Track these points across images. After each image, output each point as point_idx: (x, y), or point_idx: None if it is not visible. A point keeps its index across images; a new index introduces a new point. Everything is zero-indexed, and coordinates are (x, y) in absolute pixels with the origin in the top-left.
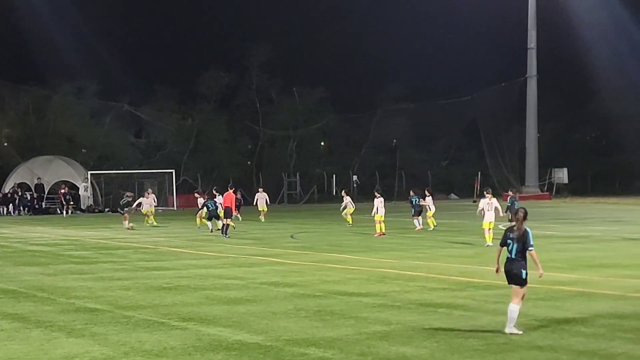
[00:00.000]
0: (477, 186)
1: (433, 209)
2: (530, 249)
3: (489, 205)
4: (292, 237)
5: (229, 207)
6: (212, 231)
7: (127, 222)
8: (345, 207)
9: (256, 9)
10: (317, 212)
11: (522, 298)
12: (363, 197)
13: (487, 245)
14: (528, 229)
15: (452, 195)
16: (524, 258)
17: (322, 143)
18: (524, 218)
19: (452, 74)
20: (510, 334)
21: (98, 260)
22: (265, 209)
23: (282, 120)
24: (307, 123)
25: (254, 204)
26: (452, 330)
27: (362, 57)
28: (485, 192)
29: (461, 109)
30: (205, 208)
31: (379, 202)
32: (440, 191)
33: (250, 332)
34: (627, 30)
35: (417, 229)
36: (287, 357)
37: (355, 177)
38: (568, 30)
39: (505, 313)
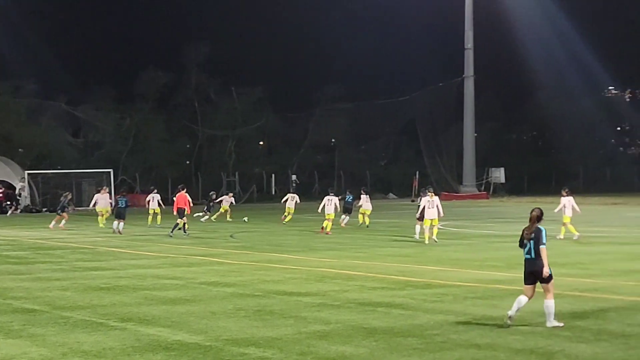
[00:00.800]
0: (416, 185)
1: (369, 207)
2: (542, 246)
3: (430, 203)
4: (231, 236)
5: (182, 207)
6: (118, 232)
7: (56, 222)
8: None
9: (195, 8)
10: (257, 211)
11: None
12: (302, 196)
13: (425, 242)
14: (542, 228)
15: (391, 194)
16: (540, 256)
17: (261, 143)
18: (538, 218)
19: (391, 74)
20: (553, 327)
21: (35, 261)
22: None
23: (220, 119)
24: (246, 123)
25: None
26: (391, 329)
27: (300, 57)
28: (427, 191)
29: (399, 109)
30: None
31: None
32: (379, 190)
33: (190, 332)
34: (563, 31)
35: (342, 224)
36: (227, 357)
37: (294, 177)
38: (505, 31)
39: (443, 311)
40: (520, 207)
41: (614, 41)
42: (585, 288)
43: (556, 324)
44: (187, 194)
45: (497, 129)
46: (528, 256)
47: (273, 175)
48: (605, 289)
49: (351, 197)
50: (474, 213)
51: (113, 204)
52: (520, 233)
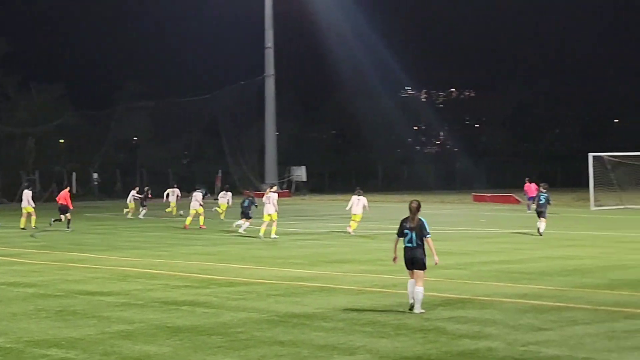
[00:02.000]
0: (218, 184)
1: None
2: (427, 236)
3: (267, 199)
4: (32, 236)
5: (64, 204)
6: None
7: None
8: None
9: None
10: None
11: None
12: (104, 194)
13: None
14: (423, 219)
15: (195, 192)
16: (423, 245)
17: (62, 140)
18: (417, 209)
19: (194, 72)
20: (420, 313)
21: None
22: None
23: (19, 117)
24: (46, 120)
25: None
26: (195, 327)
27: (102, 54)
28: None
29: (201, 107)
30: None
31: (356, 199)
32: (182, 189)
33: None
34: (363, 32)
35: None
36: (28, 359)
37: (95, 175)
38: (306, 31)
39: (247, 309)
40: (322, 205)
41: (410, 43)
42: (385, 284)
43: (422, 310)
44: (69, 192)
45: (298, 128)
46: (410, 244)
47: (74, 173)
48: (404, 285)
49: (247, 201)
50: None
51: None
52: (399, 224)
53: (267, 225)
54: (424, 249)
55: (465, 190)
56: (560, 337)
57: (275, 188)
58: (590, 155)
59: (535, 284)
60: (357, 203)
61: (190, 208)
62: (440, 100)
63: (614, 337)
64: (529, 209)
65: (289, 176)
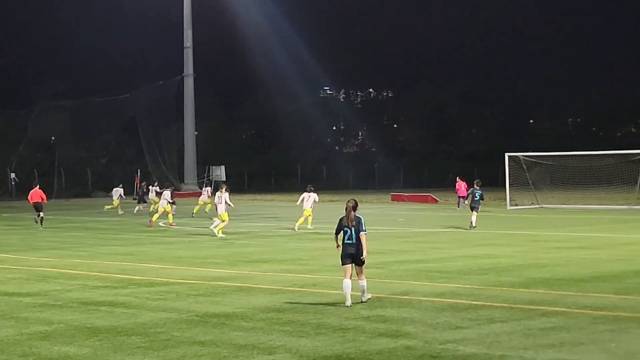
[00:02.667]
0: (137, 183)
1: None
2: (363, 232)
3: (219, 198)
4: None
5: (37, 202)
6: None
7: None
8: None
9: None
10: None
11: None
12: (22, 194)
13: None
14: (361, 217)
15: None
16: (360, 241)
17: None
18: (354, 208)
19: (112, 72)
20: (367, 299)
21: None
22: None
23: None
24: None
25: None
26: (114, 328)
27: (18, 51)
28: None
29: (120, 107)
30: None
31: (307, 195)
32: (100, 188)
33: None
34: (283, 32)
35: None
36: None
37: (13, 175)
38: (226, 31)
39: (166, 309)
40: (241, 205)
41: (329, 42)
42: (304, 283)
43: (369, 296)
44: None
45: (218, 127)
46: (349, 241)
47: None
48: (324, 284)
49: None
50: (198, 212)
51: None
52: (338, 221)
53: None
54: (361, 244)
55: (384, 190)
56: (477, 335)
57: (225, 188)
58: (507, 155)
59: (452, 283)
60: (307, 199)
61: (159, 206)
62: (359, 100)
63: (530, 334)
64: (459, 207)
65: (208, 176)
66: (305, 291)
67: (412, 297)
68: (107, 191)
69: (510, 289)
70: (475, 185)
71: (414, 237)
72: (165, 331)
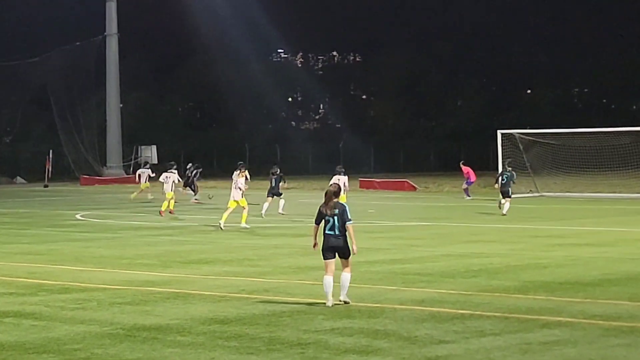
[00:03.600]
0: (49, 167)
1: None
2: (349, 222)
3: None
4: None
5: None
6: None
7: None
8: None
9: None
10: None
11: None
12: None
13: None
14: (345, 204)
15: (19, 178)
16: (345, 232)
17: None
18: (335, 194)
19: (18, 29)
20: (345, 302)
21: None
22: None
23: None
24: None
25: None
26: (21, 344)
27: None
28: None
29: (28, 73)
30: None
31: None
32: (4, 173)
33: None
34: None
35: None
36: None
37: None
38: None
39: (85, 321)
40: (177, 193)
41: None
42: (254, 289)
43: (347, 299)
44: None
45: (147, 99)
46: (331, 232)
47: None
48: (278, 290)
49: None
50: (121, 200)
51: None
52: (317, 210)
53: (231, 213)
54: (346, 236)
55: (351, 175)
56: (464, 351)
57: (243, 169)
58: (499, 132)
59: (434, 288)
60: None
61: (165, 192)
62: (320, 65)
63: (529, 350)
64: (468, 195)
65: (136, 158)
66: (255, 298)
67: (385, 305)
68: (12, 176)
69: (504, 294)
70: (506, 167)
71: (387, 232)
72: (83, 348)
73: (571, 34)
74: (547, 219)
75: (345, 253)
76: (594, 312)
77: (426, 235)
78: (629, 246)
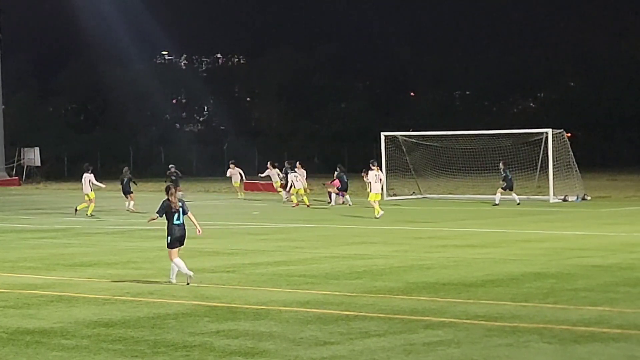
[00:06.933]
0: None
1: None
2: (189, 212)
3: (376, 177)
4: None
5: None
6: None
7: None
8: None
9: None
10: None
11: None
12: None
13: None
14: (182, 199)
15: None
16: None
17: None
18: (176, 190)
19: None
20: (188, 276)
21: None
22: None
23: None
24: None
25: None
26: None
27: None
28: (371, 165)
29: None
30: None
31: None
32: None
33: None
34: None
35: None
36: None
37: None
38: None
39: None
40: (60, 196)
41: None
42: (138, 292)
43: (190, 273)
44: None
45: (29, 100)
46: (178, 222)
47: None
48: (163, 292)
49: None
50: (4, 203)
51: None
52: (161, 204)
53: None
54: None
55: None
56: (349, 352)
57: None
58: (383, 134)
59: (318, 289)
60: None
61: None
62: (204, 67)
63: (413, 350)
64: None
65: (19, 160)
66: (139, 301)
67: (270, 307)
68: None
69: (387, 295)
70: (502, 166)
71: (272, 234)
72: None
73: (453, 37)
74: (430, 221)
75: (184, 241)
76: (477, 313)
77: (310, 237)
78: (511, 247)
